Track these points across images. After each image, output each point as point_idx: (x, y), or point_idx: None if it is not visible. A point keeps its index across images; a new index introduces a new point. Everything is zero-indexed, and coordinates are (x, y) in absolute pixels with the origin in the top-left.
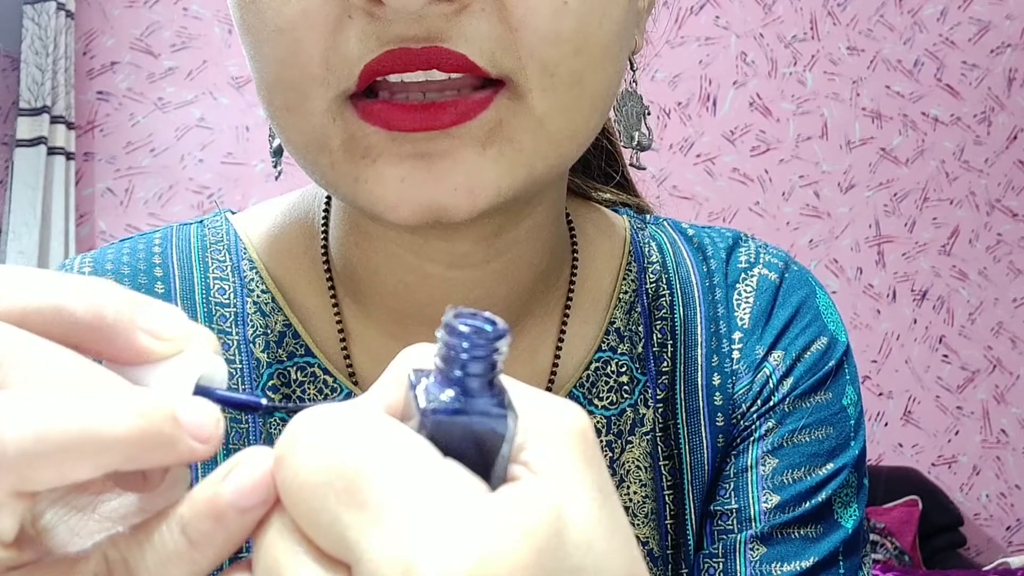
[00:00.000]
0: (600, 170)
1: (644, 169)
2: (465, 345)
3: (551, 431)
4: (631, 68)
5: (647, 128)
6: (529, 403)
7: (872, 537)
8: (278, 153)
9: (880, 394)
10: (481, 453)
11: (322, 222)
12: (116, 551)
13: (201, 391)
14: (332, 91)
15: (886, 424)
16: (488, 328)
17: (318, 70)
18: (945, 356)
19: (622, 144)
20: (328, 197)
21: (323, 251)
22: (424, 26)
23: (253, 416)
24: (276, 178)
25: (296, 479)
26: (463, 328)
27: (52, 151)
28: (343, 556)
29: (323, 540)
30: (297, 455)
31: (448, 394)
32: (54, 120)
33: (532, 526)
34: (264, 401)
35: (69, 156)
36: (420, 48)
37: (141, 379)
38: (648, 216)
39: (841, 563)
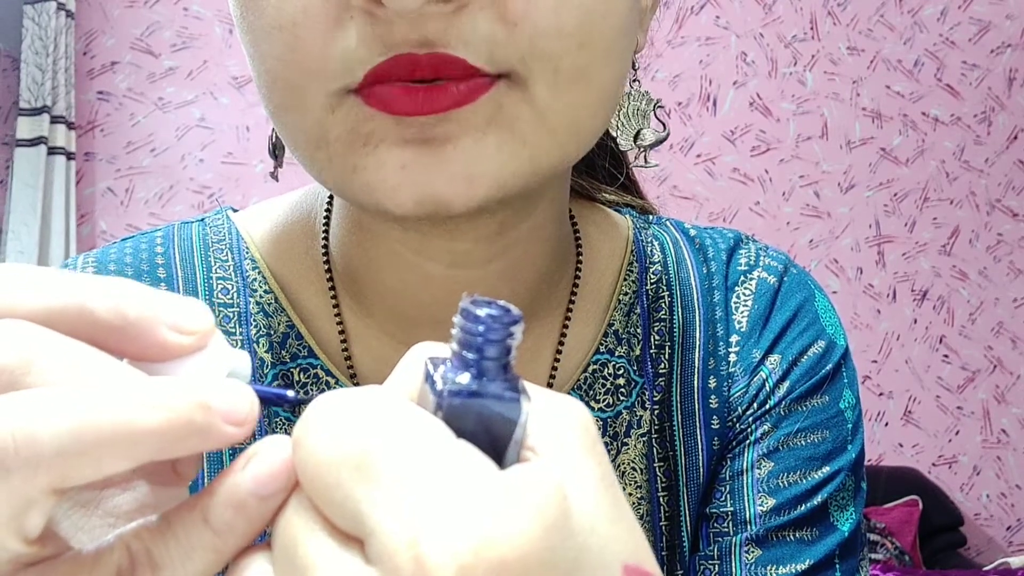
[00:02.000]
0: (605, 171)
1: (656, 166)
2: (481, 329)
3: (555, 424)
4: (632, 68)
5: (660, 122)
6: (533, 397)
7: (872, 537)
8: (274, 154)
9: (880, 394)
10: (494, 436)
11: (324, 222)
12: (139, 542)
13: None
14: (331, 86)
15: (886, 424)
16: (504, 313)
17: (317, 66)
18: (945, 356)
19: (622, 146)
20: (331, 196)
21: (324, 251)
22: (424, 27)
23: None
24: (274, 178)
25: (312, 458)
26: (480, 312)
27: (52, 151)
28: (356, 531)
29: (337, 516)
30: (313, 435)
31: (464, 377)
32: (54, 120)
33: (540, 504)
34: (291, 394)
35: (69, 156)
36: (424, 55)
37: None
38: (651, 216)
39: (837, 566)
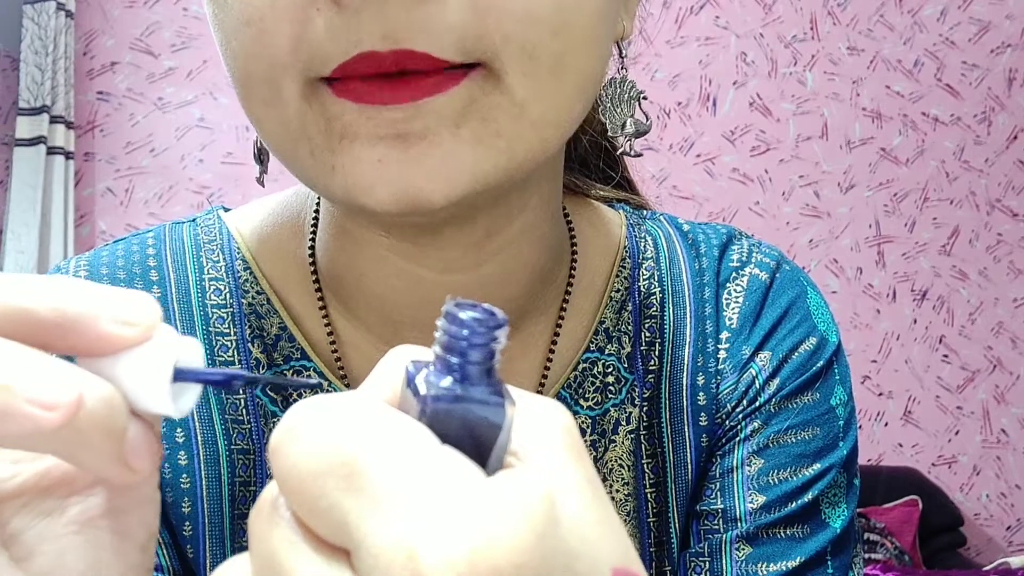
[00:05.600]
0: (599, 170)
1: (640, 156)
2: (465, 332)
3: (539, 428)
4: (620, 55)
5: (644, 113)
6: (516, 401)
7: (872, 537)
8: (260, 159)
9: (880, 394)
10: (478, 441)
11: (312, 224)
12: None
13: (180, 373)
14: (303, 76)
15: (886, 424)
16: (488, 316)
17: (288, 59)
18: (945, 356)
19: (610, 132)
20: (319, 197)
21: (311, 253)
22: (388, 19)
23: (255, 415)
24: (260, 183)
25: (294, 467)
26: (464, 316)
27: (52, 151)
28: (343, 542)
29: (322, 527)
30: (294, 443)
31: (448, 381)
32: (53, 120)
33: (531, 511)
34: (245, 373)
35: (68, 156)
36: (388, 52)
37: (115, 369)
38: (645, 211)
39: (829, 563)
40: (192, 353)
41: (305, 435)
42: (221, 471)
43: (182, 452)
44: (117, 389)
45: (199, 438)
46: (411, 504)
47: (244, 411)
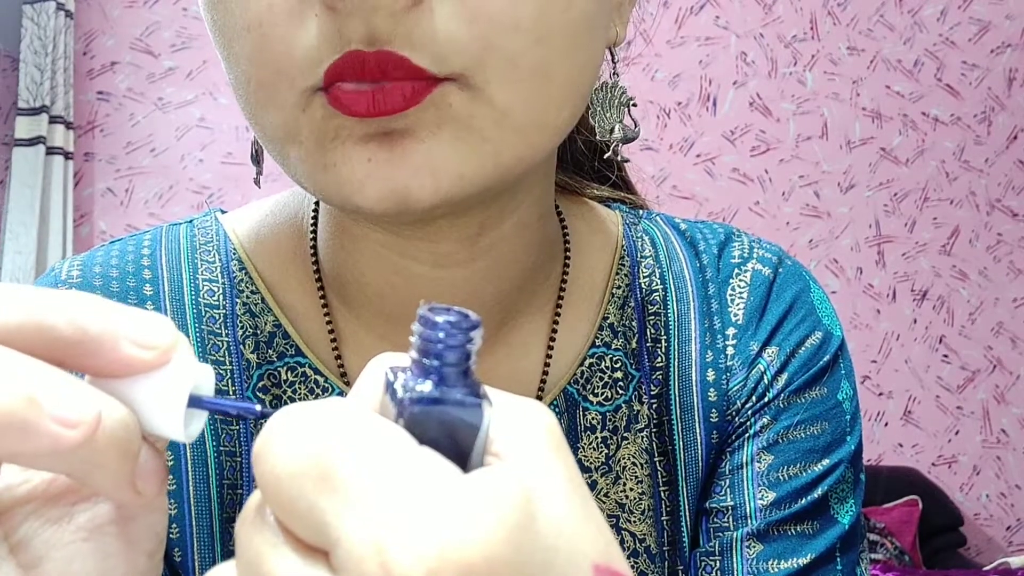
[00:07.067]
0: (593, 170)
1: (627, 161)
2: (441, 335)
3: (518, 427)
4: (612, 60)
5: (632, 120)
6: (496, 403)
7: (872, 537)
8: (257, 160)
9: (880, 394)
10: (457, 442)
11: (311, 222)
12: None
13: (194, 401)
14: (300, 84)
15: (886, 424)
16: (462, 319)
17: (285, 66)
18: (945, 356)
19: (598, 136)
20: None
21: (312, 252)
22: (374, 23)
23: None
24: (256, 183)
25: (274, 471)
26: (438, 319)
27: (51, 151)
28: (321, 543)
29: (301, 528)
30: (274, 448)
31: (425, 385)
32: (53, 120)
33: (504, 506)
34: (259, 408)
35: (67, 156)
36: (373, 52)
37: (130, 393)
38: (641, 211)
39: (838, 559)
40: (205, 379)
41: (284, 439)
42: (209, 472)
43: (168, 452)
44: (131, 411)
45: None
46: (385, 503)
47: (237, 419)
